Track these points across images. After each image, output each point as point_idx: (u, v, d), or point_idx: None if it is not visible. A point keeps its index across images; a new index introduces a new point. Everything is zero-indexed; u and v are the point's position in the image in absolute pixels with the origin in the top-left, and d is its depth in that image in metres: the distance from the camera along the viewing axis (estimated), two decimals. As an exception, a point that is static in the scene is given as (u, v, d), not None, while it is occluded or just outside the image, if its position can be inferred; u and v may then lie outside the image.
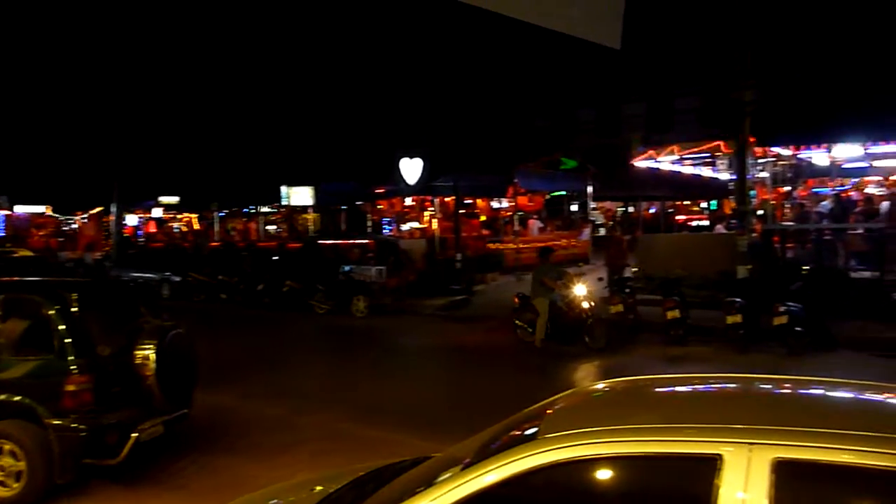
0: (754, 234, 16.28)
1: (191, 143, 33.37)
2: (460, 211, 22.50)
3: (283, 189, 29.19)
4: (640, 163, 19.78)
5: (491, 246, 22.74)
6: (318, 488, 3.80)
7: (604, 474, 2.75)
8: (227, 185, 31.48)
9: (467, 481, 2.76)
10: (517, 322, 13.81)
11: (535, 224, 25.13)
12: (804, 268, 13.75)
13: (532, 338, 13.39)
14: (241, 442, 8.08)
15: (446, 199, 24.98)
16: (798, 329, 12.13)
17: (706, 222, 30.43)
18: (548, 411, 3.26)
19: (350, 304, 18.01)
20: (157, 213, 39.89)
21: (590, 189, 25.79)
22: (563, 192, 27.80)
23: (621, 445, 2.66)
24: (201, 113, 32.79)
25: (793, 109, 18.67)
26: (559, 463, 2.66)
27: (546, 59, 27.12)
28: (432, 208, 25.86)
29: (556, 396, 3.54)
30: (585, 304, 13.26)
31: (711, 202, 33.40)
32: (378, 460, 4.28)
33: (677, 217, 34.44)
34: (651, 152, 19.16)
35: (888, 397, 3.15)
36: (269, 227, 35.62)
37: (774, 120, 17.60)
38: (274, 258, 22.04)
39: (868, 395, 3.19)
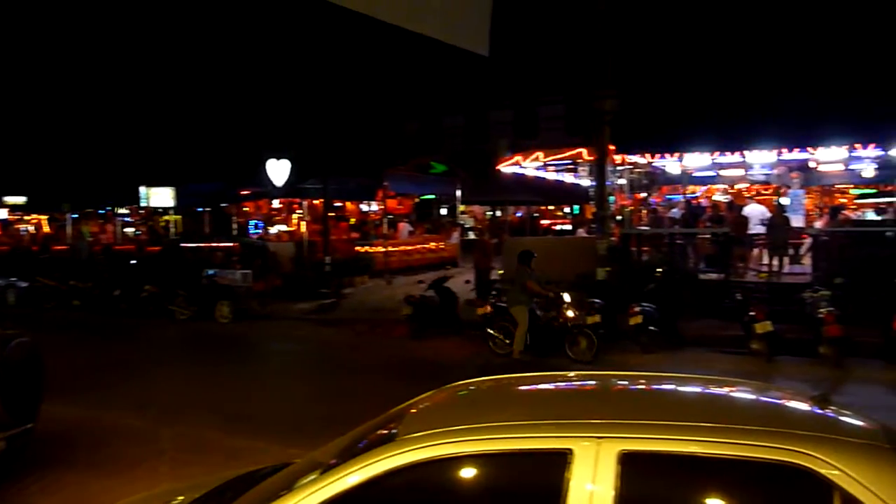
0: (613, 239, 17.07)
1: (40, 138, 31.30)
2: (329, 214, 22.29)
3: (142, 189, 27.89)
4: (507, 168, 20.29)
5: (360, 249, 22.67)
6: (179, 498, 3.67)
7: (462, 473, 2.80)
8: (80, 184, 29.67)
9: (328, 484, 2.75)
10: (490, 332, 12.91)
11: (404, 227, 25.24)
12: (657, 270, 14.50)
13: (508, 349, 12.59)
14: (96, 456, 7.63)
15: (315, 202, 24.67)
16: (651, 328, 12.82)
17: (569, 226, 31.66)
18: (410, 411, 3.29)
19: (214, 309, 17.42)
20: (1, 214, 37.11)
21: (458, 193, 26.19)
22: (433, 196, 28.09)
23: (477, 444, 2.72)
24: (51, 107, 30.85)
25: (648, 120, 19.75)
26: (418, 463, 2.70)
27: (417, 64, 27.39)
28: (301, 211, 25.47)
29: (420, 396, 3.58)
30: (571, 313, 12.44)
31: (574, 207, 34.73)
32: (242, 469, 4.17)
33: (542, 221, 35.59)
34: (517, 158, 19.69)
35: (726, 390, 3.39)
36: (127, 230, 33.87)
37: (632, 129, 18.53)
38: (132, 262, 21.02)
39: (708, 389, 3.42)
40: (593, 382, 3.68)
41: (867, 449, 2.56)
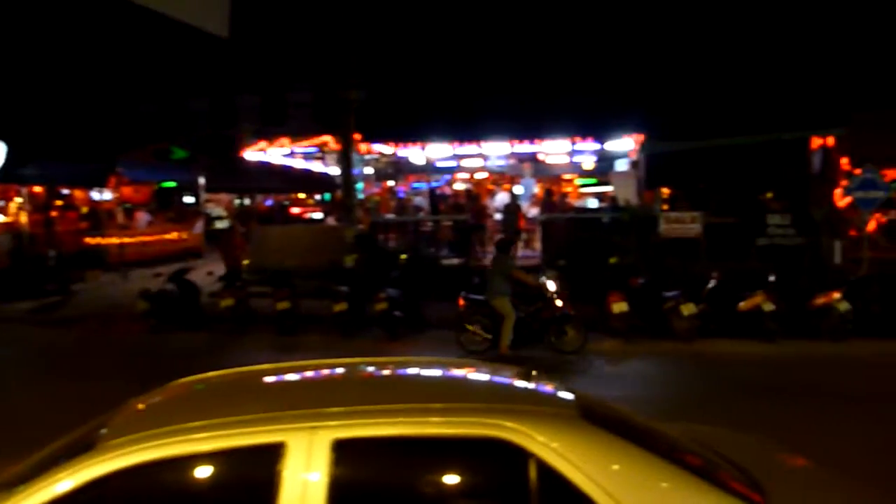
0: (362, 227, 17.30)
1: None
2: (55, 202, 20.20)
3: None
4: (252, 155, 19.73)
5: (91, 241, 20.81)
6: None
7: (169, 478, 2.65)
8: None
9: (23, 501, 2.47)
10: (468, 327, 11.80)
11: (142, 217, 23.56)
12: (401, 256, 14.91)
13: (485, 345, 11.58)
14: None
15: (36, 189, 22.21)
16: (397, 313, 13.17)
17: (320, 215, 31.58)
18: (119, 416, 3.06)
19: None
20: None
21: (202, 180, 25.00)
22: (174, 183, 26.55)
23: (185, 445, 2.59)
24: None
25: (394, 110, 20.23)
26: (119, 472, 2.51)
27: (158, 43, 25.71)
28: (20, 199, 22.80)
29: (137, 398, 3.34)
30: (560, 303, 11.67)
31: (325, 195, 34.69)
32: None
33: (293, 210, 35.14)
34: (262, 145, 19.20)
35: (440, 371, 3.54)
36: None
37: (378, 119, 18.88)
38: None
39: (424, 371, 3.56)
40: (312, 372, 3.66)
41: (560, 418, 2.80)
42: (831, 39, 19.06)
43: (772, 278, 12.73)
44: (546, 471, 2.58)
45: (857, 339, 11.89)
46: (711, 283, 12.99)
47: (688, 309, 12.22)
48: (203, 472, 2.67)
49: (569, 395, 3.12)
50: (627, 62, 19.85)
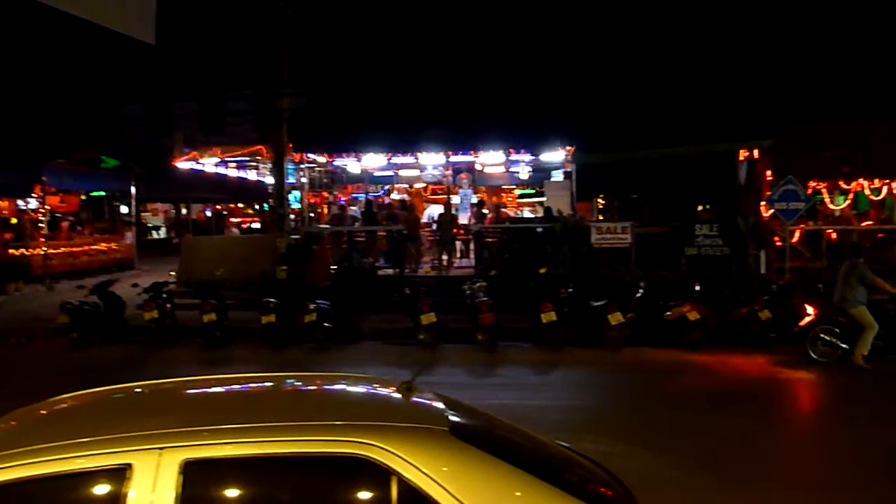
0: (298, 237, 17.06)
1: None
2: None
3: None
4: (184, 164, 19.29)
5: (14, 252, 20.07)
6: None
7: (12, 503, 2.49)
8: None
9: None
10: (824, 337, 11.30)
11: (67, 227, 22.85)
12: (332, 267, 14.74)
13: (835, 355, 11.18)
14: None
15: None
16: (326, 325, 12.99)
17: (259, 224, 31.13)
18: None
19: None
20: None
21: (133, 190, 24.36)
22: (104, 193, 25.81)
23: (29, 469, 2.44)
24: None
25: (328, 120, 20.08)
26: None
27: (88, 48, 25.05)
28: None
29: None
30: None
31: (265, 205, 34.21)
32: None
33: (232, 219, 34.56)
34: (194, 154, 18.80)
35: (307, 386, 3.43)
36: None
37: (312, 128, 18.71)
38: None
39: (289, 386, 3.44)
40: (171, 389, 3.50)
41: (424, 434, 2.72)
42: (759, 54, 19.59)
43: (697, 288, 12.96)
44: (408, 489, 2.50)
45: (779, 346, 12.15)
46: (640, 293, 13.15)
47: (616, 318, 12.34)
48: (47, 496, 2.52)
49: (442, 411, 3.03)
50: (560, 74, 20.07)
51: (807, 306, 11.62)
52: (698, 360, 11.76)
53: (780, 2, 20.88)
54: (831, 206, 16.12)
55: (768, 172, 15.58)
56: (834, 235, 16.02)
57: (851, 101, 17.11)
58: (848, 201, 16.04)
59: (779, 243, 15.01)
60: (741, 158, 16.42)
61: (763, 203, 15.28)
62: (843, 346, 11.14)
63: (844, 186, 15.83)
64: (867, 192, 15.82)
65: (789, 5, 20.61)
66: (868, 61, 19.32)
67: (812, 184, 15.19)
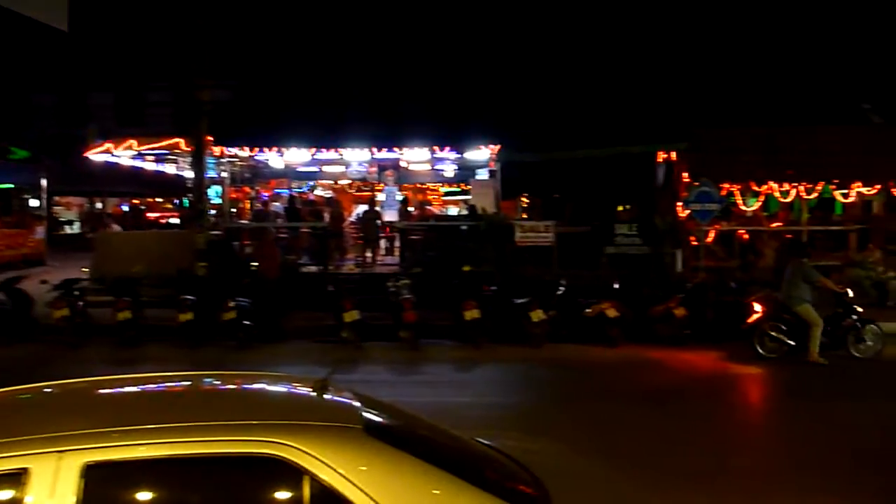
0: (218, 232, 16.67)
1: None
2: None
3: None
4: (98, 156, 18.56)
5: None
6: None
7: None
8: None
9: None
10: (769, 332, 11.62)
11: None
12: (252, 264, 14.47)
13: (781, 351, 11.51)
14: None
15: None
16: (246, 322, 12.72)
17: (178, 219, 30.25)
18: None
19: None
20: None
21: (44, 183, 23.35)
22: (12, 186, 24.67)
23: None
24: None
25: (250, 113, 19.68)
26: None
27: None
28: None
29: None
30: (860, 309, 11.74)
31: (185, 200, 33.31)
32: None
33: (150, 214, 33.50)
34: (108, 146, 18.10)
35: (217, 385, 3.35)
36: None
37: (233, 121, 18.29)
38: None
39: (198, 386, 3.35)
40: (78, 390, 3.37)
41: (337, 432, 2.69)
42: (676, 58, 20.19)
43: (616, 286, 13.26)
44: (322, 488, 2.46)
45: (693, 343, 12.53)
46: (561, 291, 13.36)
47: (537, 315, 12.50)
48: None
49: (357, 409, 3.00)
50: (486, 74, 20.20)
51: (754, 304, 11.98)
52: (614, 355, 12.05)
53: (697, 11, 21.59)
54: (743, 208, 16.71)
55: (685, 174, 16.05)
56: (746, 236, 16.65)
57: (762, 107, 17.81)
58: (759, 203, 16.66)
59: (694, 243, 15.47)
60: (659, 160, 16.86)
61: (679, 204, 15.73)
62: (790, 342, 11.53)
63: (756, 189, 16.44)
64: (777, 194, 16.47)
65: (706, 15, 21.34)
66: (779, 68, 20.17)
67: (726, 186, 15.71)
